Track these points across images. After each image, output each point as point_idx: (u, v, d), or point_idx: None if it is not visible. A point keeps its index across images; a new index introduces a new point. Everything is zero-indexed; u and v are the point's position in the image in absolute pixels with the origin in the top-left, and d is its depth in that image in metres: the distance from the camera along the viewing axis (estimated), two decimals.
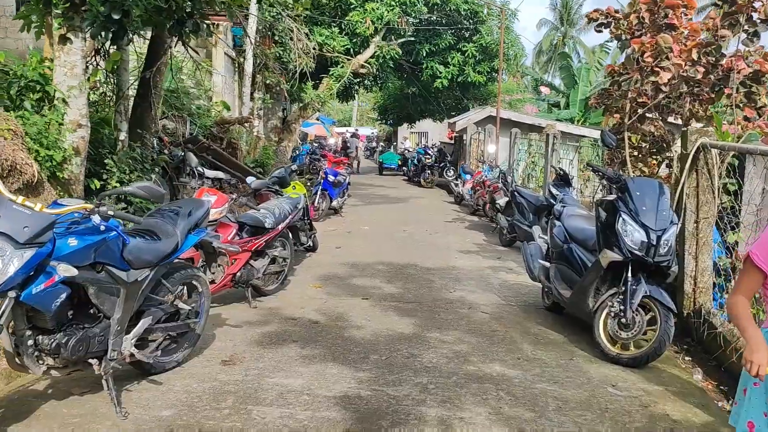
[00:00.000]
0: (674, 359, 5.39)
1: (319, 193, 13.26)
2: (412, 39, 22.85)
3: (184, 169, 9.62)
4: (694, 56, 5.82)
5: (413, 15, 21.82)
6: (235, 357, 4.95)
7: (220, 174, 10.40)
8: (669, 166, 7.18)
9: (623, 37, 6.49)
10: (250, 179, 9.05)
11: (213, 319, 5.61)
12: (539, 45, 57.86)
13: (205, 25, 7.85)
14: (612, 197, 5.48)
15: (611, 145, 5.69)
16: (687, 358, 5.43)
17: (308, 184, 13.78)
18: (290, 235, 7.66)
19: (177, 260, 4.45)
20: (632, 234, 5.08)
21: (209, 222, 5.94)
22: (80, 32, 6.48)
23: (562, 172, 9.71)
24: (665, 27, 6.02)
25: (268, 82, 19.82)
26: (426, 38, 23.12)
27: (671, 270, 5.18)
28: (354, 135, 38.49)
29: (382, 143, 37.55)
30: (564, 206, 6.88)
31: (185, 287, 4.55)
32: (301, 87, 23.02)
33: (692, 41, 5.87)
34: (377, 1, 20.72)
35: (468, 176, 15.23)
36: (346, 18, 20.86)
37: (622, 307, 5.07)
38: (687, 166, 5.58)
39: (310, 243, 9.50)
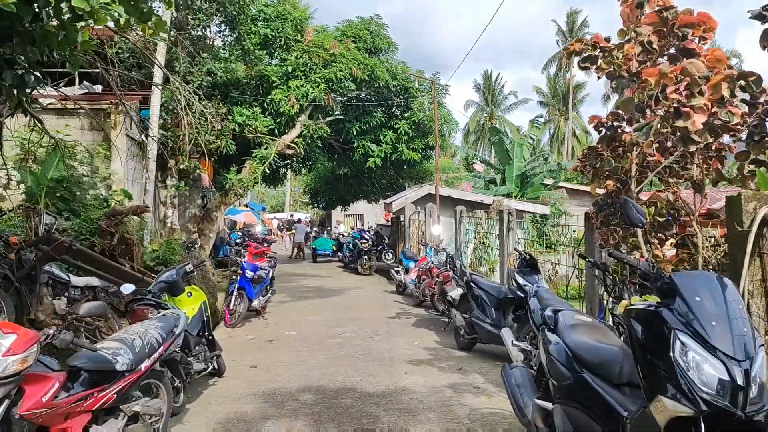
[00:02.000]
0: None
1: (235, 293, 10.84)
2: (341, 117, 21.23)
3: (38, 277, 7.10)
4: (725, 92, 4.04)
5: (340, 92, 20.29)
6: None
7: (92, 280, 7.89)
8: (680, 245, 5.27)
9: (618, 74, 4.68)
10: (126, 287, 6.64)
11: None
12: (467, 126, 58.26)
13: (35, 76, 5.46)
14: (647, 305, 3.43)
15: (641, 223, 3.70)
16: None
17: (233, 277, 11.37)
18: (168, 372, 5.25)
19: None
20: (702, 369, 2.99)
21: (5, 378, 3.56)
22: None
23: (528, 256, 7.75)
24: (682, 53, 4.28)
25: (182, 167, 17.56)
26: (356, 116, 21.54)
27: None
28: (298, 220, 36.16)
29: (315, 228, 35.36)
30: (556, 310, 4.82)
31: None
32: (222, 172, 20.85)
33: (718, 74, 4.11)
34: (301, 78, 19.08)
35: (411, 263, 13.16)
36: (269, 96, 19.06)
37: None
38: (749, 248, 3.62)
39: (214, 366, 7.06)
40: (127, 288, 6.66)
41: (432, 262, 11.01)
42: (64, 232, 10.44)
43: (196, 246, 7.60)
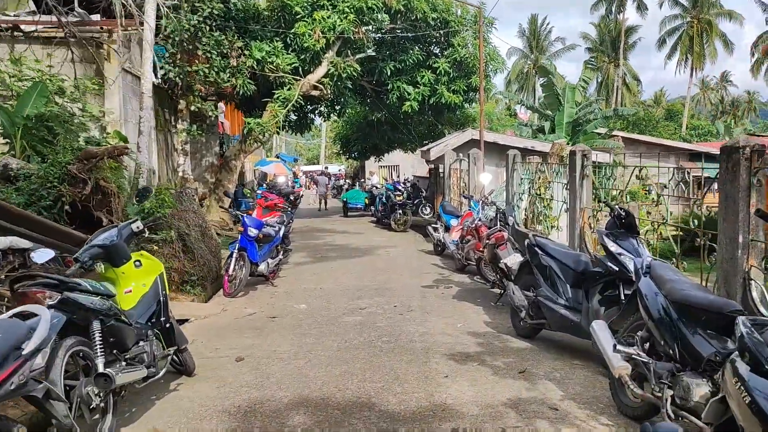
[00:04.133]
0: None
1: (234, 255, 8.67)
2: (373, 55, 18.59)
3: None
4: None
5: (372, 25, 17.60)
6: None
7: (21, 241, 5.71)
8: None
9: None
10: (40, 254, 4.48)
11: None
12: (508, 75, 54.51)
13: None
14: None
15: None
16: None
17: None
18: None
19: None
20: None
21: None
22: None
23: (623, 213, 5.29)
24: None
25: (193, 108, 15.34)
26: (390, 54, 18.88)
27: None
28: (323, 173, 34.16)
29: (348, 180, 32.96)
30: (734, 313, 2.46)
31: None
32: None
33: None
34: (327, 9, 16.46)
35: (453, 220, 10.67)
36: (292, 30, 16.54)
37: None
38: None
39: (173, 366, 4.94)
40: (42, 255, 4.49)
41: (479, 219, 8.58)
42: (28, 179, 8.43)
43: (149, 194, 5.35)
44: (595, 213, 7.24)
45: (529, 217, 10.18)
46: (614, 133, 25.99)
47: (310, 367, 5.47)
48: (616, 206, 5.39)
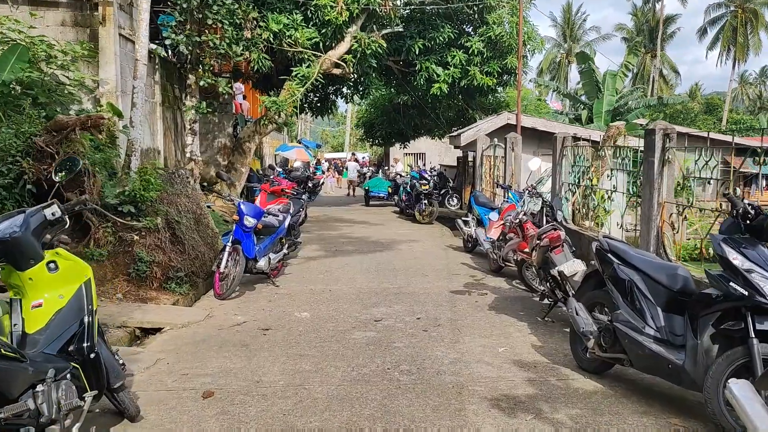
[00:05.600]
0: None
1: (227, 249, 7.17)
2: (401, 31, 16.86)
3: None
4: None
5: None
6: None
7: None
8: None
9: None
10: None
11: None
12: (540, 65, 52.26)
13: None
14: None
15: None
16: None
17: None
18: None
19: None
20: None
21: None
22: None
23: (752, 211, 3.63)
24: None
25: (202, 83, 13.86)
26: (419, 32, 17.16)
27: None
28: (354, 159, 32.81)
29: (371, 168, 31.29)
30: None
31: None
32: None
33: None
34: None
35: (494, 214, 8.79)
36: (312, 1, 14.92)
37: None
38: None
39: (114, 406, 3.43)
40: None
41: (523, 214, 6.85)
42: None
43: (74, 167, 3.82)
44: (681, 210, 5.55)
45: (577, 212, 8.50)
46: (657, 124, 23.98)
47: (300, 411, 3.93)
48: (743, 201, 3.72)
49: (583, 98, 24.92)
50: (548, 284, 5.95)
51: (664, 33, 48.07)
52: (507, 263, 8.17)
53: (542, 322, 6.09)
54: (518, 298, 7.13)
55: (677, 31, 52.05)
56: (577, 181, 8.20)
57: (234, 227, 7.25)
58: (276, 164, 27.23)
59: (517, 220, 6.51)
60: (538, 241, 5.71)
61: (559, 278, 5.65)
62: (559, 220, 7.33)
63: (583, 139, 9.11)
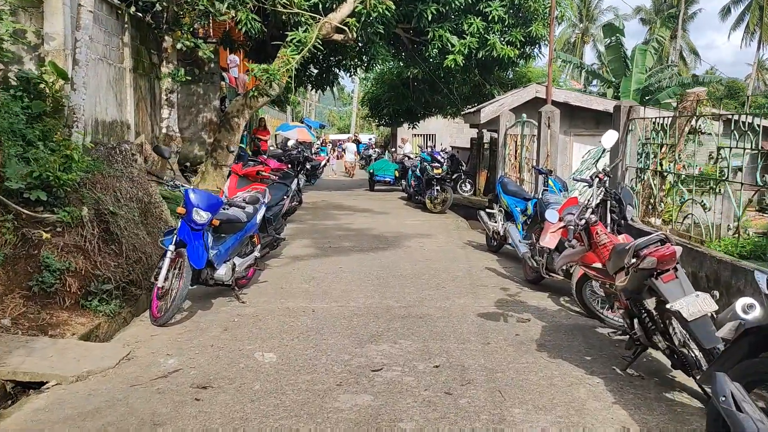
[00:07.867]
0: None
1: (168, 256, 5.03)
2: None
3: None
4: None
5: None
6: None
7: None
8: None
9: None
10: None
11: None
12: (554, 43, 49.59)
13: None
14: None
15: None
16: None
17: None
18: None
19: None
20: None
21: None
22: None
23: None
24: None
25: (180, 46, 11.62)
26: None
27: None
28: (355, 140, 30.79)
29: (377, 150, 28.86)
30: None
31: None
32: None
33: None
34: None
35: (553, 208, 5.91)
36: None
37: None
38: None
39: None
40: None
41: (590, 212, 4.55)
42: None
43: None
44: None
45: (642, 203, 6.31)
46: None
47: None
48: None
49: (607, 75, 22.54)
50: (641, 322, 3.77)
51: (685, 14, 45.27)
52: (551, 274, 6.00)
53: (626, 377, 3.95)
54: (576, 329, 4.97)
55: (699, 12, 49.20)
56: (646, 164, 5.98)
57: (180, 223, 5.11)
58: (276, 144, 25.09)
59: (582, 221, 4.34)
60: (636, 260, 3.52)
61: (665, 319, 3.49)
62: (627, 219, 5.17)
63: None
